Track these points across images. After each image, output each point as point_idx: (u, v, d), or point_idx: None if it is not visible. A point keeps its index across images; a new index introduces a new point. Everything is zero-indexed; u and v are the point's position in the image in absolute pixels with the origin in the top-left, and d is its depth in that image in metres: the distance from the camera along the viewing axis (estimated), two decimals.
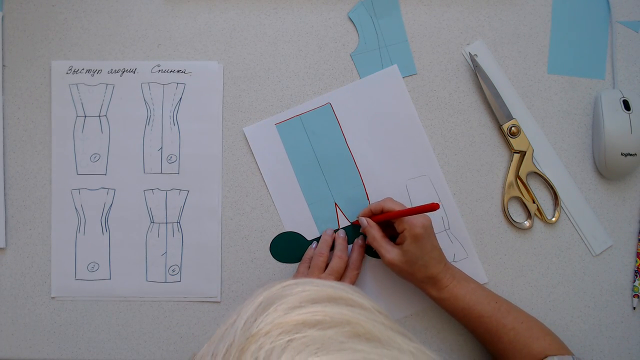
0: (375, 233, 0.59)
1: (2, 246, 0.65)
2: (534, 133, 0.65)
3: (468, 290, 0.58)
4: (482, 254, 0.65)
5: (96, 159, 0.65)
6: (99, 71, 0.65)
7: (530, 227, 0.64)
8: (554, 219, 0.64)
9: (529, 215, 0.65)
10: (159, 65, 0.65)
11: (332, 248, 0.63)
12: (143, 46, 0.65)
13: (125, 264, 0.65)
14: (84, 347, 0.65)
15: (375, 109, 0.65)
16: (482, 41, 0.66)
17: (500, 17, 0.66)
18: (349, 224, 0.65)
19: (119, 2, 0.66)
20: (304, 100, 0.65)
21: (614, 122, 0.62)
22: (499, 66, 0.65)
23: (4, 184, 0.65)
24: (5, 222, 0.65)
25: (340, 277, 0.61)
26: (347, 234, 0.64)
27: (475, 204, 0.65)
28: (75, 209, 0.65)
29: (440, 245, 0.59)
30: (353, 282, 0.61)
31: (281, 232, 0.65)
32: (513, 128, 0.64)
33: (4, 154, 0.65)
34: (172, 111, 0.65)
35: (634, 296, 0.64)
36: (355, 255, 0.62)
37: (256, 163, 0.65)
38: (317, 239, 0.64)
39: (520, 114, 0.65)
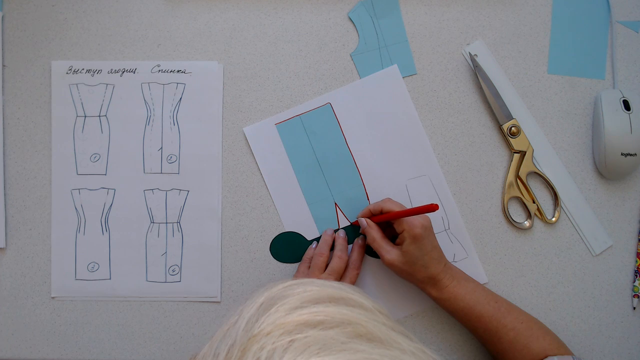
0: (374, 234, 0.59)
1: (2, 246, 0.65)
2: (534, 133, 0.65)
3: (468, 290, 0.58)
4: (482, 254, 0.65)
5: (96, 159, 0.65)
6: (99, 71, 0.65)
7: (530, 227, 0.64)
8: (554, 219, 0.64)
9: (529, 215, 0.65)
10: (159, 65, 0.65)
11: (332, 248, 0.63)
12: (143, 46, 0.65)
13: (125, 264, 0.65)
14: (84, 347, 0.65)
15: (375, 109, 0.65)
16: (482, 41, 0.66)
17: (500, 17, 0.66)
18: (349, 224, 0.65)
19: (119, 2, 0.66)
20: (304, 100, 0.65)
21: (614, 122, 0.62)
22: (499, 66, 0.66)
23: (4, 184, 0.65)
24: (5, 222, 0.65)
25: (340, 277, 0.61)
26: (347, 234, 0.64)
27: (475, 204, 0.65)
28: (75, 209, 0.65)
29: (440, 245, 0.59)
30: (353, 282, 0.61)
31: (281, 232, 0.65)
32: (513, 128, 0.64)
33: (4, 154, 0.65)
34: (172, 111, 0.65)
35: (634, 296, 0.64)
36: (355, 255, 0.62)
37: (256, 163, 0.65)
38: (317, 239, 0.64)
39: (520, 114, 0.65)
